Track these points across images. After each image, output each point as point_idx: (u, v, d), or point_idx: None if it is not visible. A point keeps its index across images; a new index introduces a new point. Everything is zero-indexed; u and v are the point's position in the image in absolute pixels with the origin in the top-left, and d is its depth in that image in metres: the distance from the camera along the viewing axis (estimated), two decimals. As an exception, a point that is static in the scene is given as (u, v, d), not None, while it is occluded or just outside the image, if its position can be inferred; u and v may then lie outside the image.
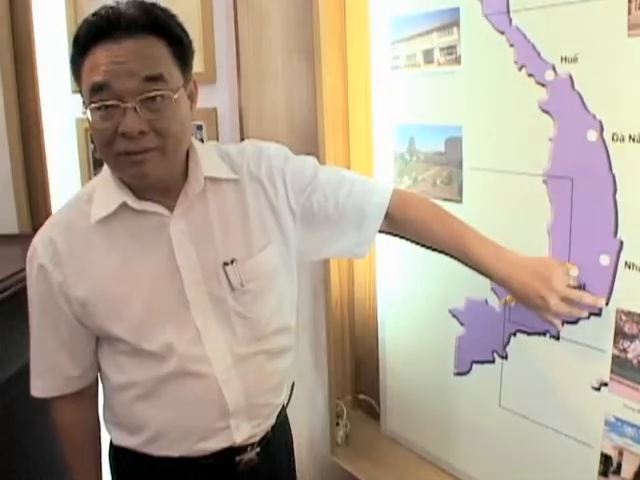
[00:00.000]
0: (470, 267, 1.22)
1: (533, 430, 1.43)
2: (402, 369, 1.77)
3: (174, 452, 1.16)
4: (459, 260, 1.23)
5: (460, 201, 1.48)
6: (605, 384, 1.27)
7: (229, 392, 1.14)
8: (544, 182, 1.29)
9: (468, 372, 1.56)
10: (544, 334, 1.36)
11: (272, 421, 1.25)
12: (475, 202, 1.45)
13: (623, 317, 1.21)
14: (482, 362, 1.52)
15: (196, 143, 1.13)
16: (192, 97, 1.08)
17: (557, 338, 1.34)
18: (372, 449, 1.85)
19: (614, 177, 1.17)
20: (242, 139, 1.69)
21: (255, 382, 1.16)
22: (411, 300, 1.68)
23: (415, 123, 1.58)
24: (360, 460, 1.82)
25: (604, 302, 1.21)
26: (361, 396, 2.02)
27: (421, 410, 1.74)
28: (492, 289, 1.45)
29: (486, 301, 1.46)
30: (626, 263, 1.18)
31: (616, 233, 1.18)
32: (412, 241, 1.29)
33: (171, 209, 1.10)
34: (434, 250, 1.27)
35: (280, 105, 1.73)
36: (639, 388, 1.22)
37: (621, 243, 1.18)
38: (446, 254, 1.25)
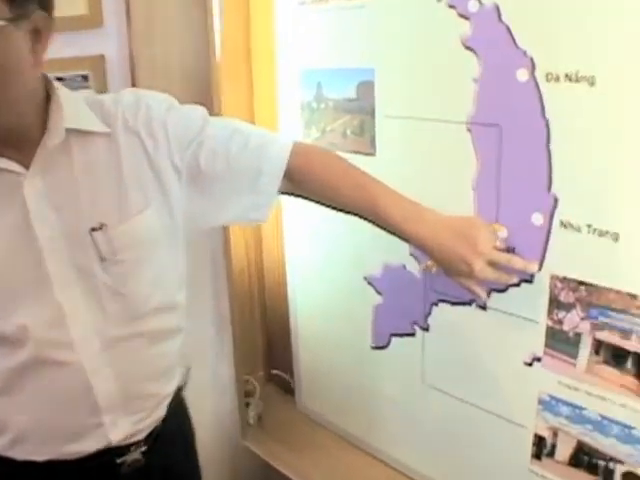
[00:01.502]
0: (384, 229, 1.05)
1: (460, 409, 1.28)
2: (316, 342, 1.59)
3: (41, 456, 0.98)
4: (371, 221, 1.06)
5: (373, 154, 1.29)
6: (538, 359, 1.12)
7: (99, 383, 0.96)
8: (468, 130, 1.10)
9: (387, 346, 1.39)
10: (469, 304, 1.19)
11: (161, 413, 1.07)
12: (390, 154, 1.26)
13: (558, 284, 1.04)
14: (402, 335, 1.35)
15: (62, 90, 0.93)
16: (38, 37, 0.83)
17: (484, 308, 1.17)
18: (287, 430, 1.69)
19: (547, 123, 1.00)
20: (134, 90, 1.44)
21: (132, 370, 1.00)
22: (322, 266, 1.49)
23: (323, 67, 1.38)
24: (274, 443, 1.66)
25: (536, 267, 1.06)
26: (274, 371, 1.83)
27: (338, 387, 1.56)
28: (411, 254, 1.27)
29: (404, 267, 1.28)
30: (561, 222, 1.01)
31: (550, 188, 1.01)
32: (318, 202, 1.10)
33: (27, 166, 0.90)
34: (343, 211, 1.09)
35: (174, 51, 1.49)
36: (575, 363, 1.07)
37: (555, 200, 1.01)
38: (356, 215, 1.07)
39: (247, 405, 1.72)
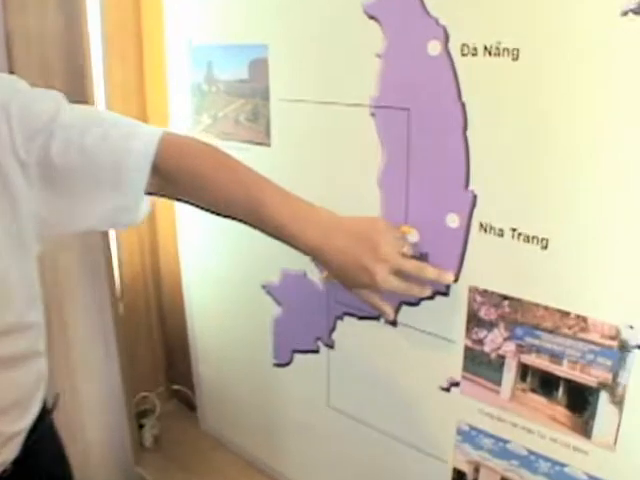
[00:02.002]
0: (271, 235, 0.85)
1: (370, 437, 1.11)
2: (216, 357, 1.40)
3: None
4: (257, 227, 0.86)
5: (268, 143, 1.09)
6: (456, 384, 0.94)
7: None
8: (372, 115, 0.93)
9: (289, 363, 1.20)
10: (377, 318, 1.00)
11: (10, 454, 0.87)
12: (286, 144, 1.08)
13: (477, 298, 0.87)
14: (304, 351, 1.15)
15: None
16: None
17: (394, 324, 0.99)
18: (187, 452, 1.49)
19: (464, 106, 0.83)
20: (11, 72, 1.20)
21: None
22: (218, 272, 1.29)
23: (213, 43, 1.17)
24: (172, 468, 1.47)
25: (451, 277, 0.90)
26: (175, 386, 1.61)
27: (241, 406, 1.37)
28: (311, 259, 1.06)
29: (304, 274, 1.09)
30: (481, 225, 0.84)
31: (467, 184, 0.84)
32: (195, 204, 0.90)
33: None
34: (224, 215, 0.88)
35: (49, 23, 1.24)
36: (498, 390, 0.90)
37: (474, 198, 0.84)
38: (240, 220, 0.87)
39: (141, 426, 1.49)
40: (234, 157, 0.86)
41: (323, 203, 0.91)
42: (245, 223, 0.86)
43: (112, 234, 1.39)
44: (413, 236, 0.93)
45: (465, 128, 0.83)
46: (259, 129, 1.12)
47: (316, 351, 1.15)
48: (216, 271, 1.30)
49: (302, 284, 1.12)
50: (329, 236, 0.83)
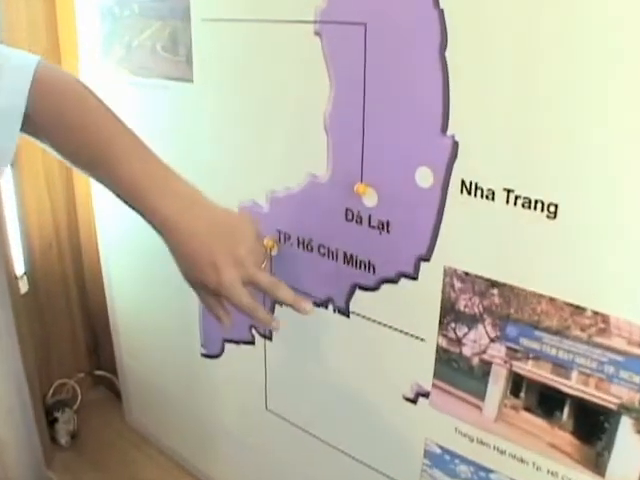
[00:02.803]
0: (124, 199, 0.66)
1: (317, 450, 0.89)
2: (141, 342, 1.15)
3: None
4: (109, 187, 0.66)
5: (190, 79, 0.83)
6: (425, 394, 0.71)
7: None
8: (316, 34, 0.67)
9: (220, 355, 0.96)
10: (325, 304, 0.76)
11: None
12: (211, 80, 0.83)
13: (456, 283, 0.63)
14: (237, 342, 0.91)
15: None
16: None
17: (346, 313, 0.74)
18: (109, 451, 1.27)
19: (442, 15, 0.58)
20: None
21: None
22: (137, 240, 1.03)
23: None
24: (89, 470, 1.23)
25: (309, 308, 0.71)
26: (99, 372, 1.36)
27: (169, 401, 1.13)
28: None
29: (236, 246, 0.82)
30: (463, 184, 0.60)
31: (445, 127, 0.59)
32: (55, 149, 0.67)
33: None
34: (80, 168, 0.67)
35: None
36: (481, 406, 0.67)
37: (454, 145, 0.59)
38: (93, 176, 0.67)
39: (54, 422, 1.25)
40: (102, 101, 0.66)
41: (257, 153, 0.67)
42: (98, 180, 0.66)
43: (10, 202, 1.13)
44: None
45: (443, 47, 0.58)
46: (179, 60, 0.86)
47: (251, 342, 0.90)
48: (135, 239, 1.04)
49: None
50: (189, 213, 0.65)
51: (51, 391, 1.32)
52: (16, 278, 1.09)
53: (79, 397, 1.36)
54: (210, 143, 0.84)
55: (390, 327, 0.73)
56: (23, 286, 1.17)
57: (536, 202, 0.58)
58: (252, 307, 0.68)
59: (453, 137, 0.60)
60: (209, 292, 0.67)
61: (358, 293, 0.74)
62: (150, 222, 0.65)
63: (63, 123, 0.63)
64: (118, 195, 0.65)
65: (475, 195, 0.61)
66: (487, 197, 0.60)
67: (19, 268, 1.18)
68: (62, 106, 0.63)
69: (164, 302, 1.05)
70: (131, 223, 1.03)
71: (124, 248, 1.08)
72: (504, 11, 0.53)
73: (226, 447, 1.06)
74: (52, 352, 1.32)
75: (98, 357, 1.40)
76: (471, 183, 0.61)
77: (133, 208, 0.64)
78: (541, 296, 0.60)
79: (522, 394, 0.65)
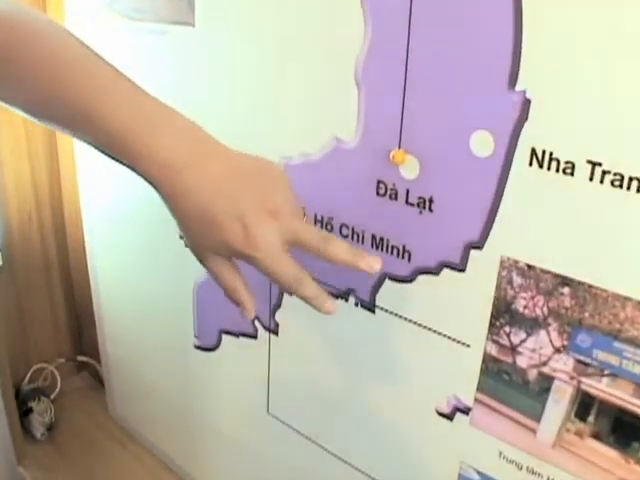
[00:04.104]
0: (106, 149, 0.49)
1: (327, 465, 0.74)
2: (125, 329, 1.03)
3: None
4: (86, 138, 0.49)
5: (191, 22, 0.71)
6: (465, 410, 0.57)
7: None
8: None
9: (216, 347, 0.83)
10: (345, 296, 0.62)
11: None
12: (216, 24, 0.69)
13: (516, 278, 0.50)
14: (237, 334, 0.77)
15: None
16: None
17: (371, 308, 0.61)
18: (88, 447, 1.15)
19: None
20: None
21: None
22: (125, 217, 0.89)
23: None
24: (64, 468, 1.11)
25: (379, 265, 0.50)
26: (81, 357, 1.24)
27: (157, 395, 1.00)
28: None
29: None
30: (534, 153, 0.46)
31: (514, 80, 0.46)
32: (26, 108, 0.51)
33: None
34: (45, 119, 0.50)
35: None
36: (536, 428, 0.54)
37: (525, 102, 0.44)
38: (64, 128, 0.50)
39: (28, 412, 1.12)
40: (91, 49, 0.49)
41: (270, 111, 0.55)
42: (71, 132, 0.50)
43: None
44: (408, 168, 0.54)
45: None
46: (179, 1, 0.72)
47: (253, 336, 0.77)
48: (121, 211, 0.91)
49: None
50: (199, 154, 0.47)
51: (27, 377, 1.19)
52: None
53: (58, 385, 1.24)
54: (213, 98, 0.70)
55: (425, 327, 0.59)
56: (-6, 261, 1.04)
57: (630, 180, 0.44)
58: (299, 278, 0.49)
59: (524, 93, 0.47)
60: (228, 266, 0.50)
61: (387, 284, 0.61)
62: (146, 174, 0.47)
63: (37, 66, 0.47)
64: (103, 150, 0.49)
65: (548, 168, 0.48)
66: (564, 171, 0.47)
67: (-10, 240, 1.05)
68: (37, 45, 0.48)
69: (154, 283, 0.92)
70: (120, 195, 0.89)
71: (110, 222, 0.95)
72: None
73: (220, 451, 0.93)
74: (29, 334, 1.19)
75: (81, 341, 1.28)
76: (544, 152, 0.48)
77: (122, 162, 0.48)
78: (627, 299, 0.47)
79: (591, 418, 0.52)
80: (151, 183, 0.47)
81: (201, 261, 0.50)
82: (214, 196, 0.46)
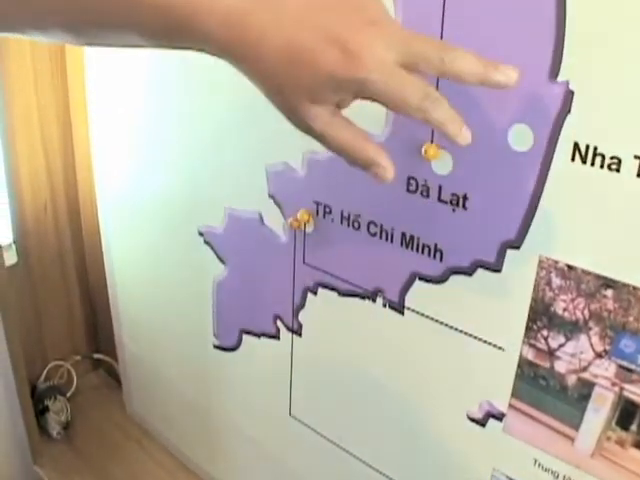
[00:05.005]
0: (153, 42, 0.39)
1: (352, 472, 0.70)
2: (144, 325, 1.01)
3: None
4: (135, 31, 0.38)
5: None
6: (498, 416, 0.54)
7: None
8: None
9: (236, 347, 0.81)
10: (373, 297, 0.60)
11: None
12: None
13: (555, 279, 0.48)
14: (258, 334, 0.75)
15: None
16: None
17: (400, 309, 0.58)
18: (106, 446, 1.13)
19: None
20: None
21: None
22: (141, 213, 0.87)
23: None
24: (82, 467, 1.10)
25: (516, 74, 0.38)
26: (98, 355, 1.22)
27: (175, 394, 0.99)
28: (271, 195, 0.65)
29: (260, 218, 0.68)
30: (577, 148, 0.43)
31: (557, 69, 0.45)
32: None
33: None
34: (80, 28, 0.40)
35: None
36: (573, 436, 0.51)
37: (568, 94, 0.43)
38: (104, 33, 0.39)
39: (44, 411, 1.10)
40: None
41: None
42: (113, 26, 0.39)
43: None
44: (441, 163, 0.52)
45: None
46: None
47: (275, 336, 0.75)
48: (138, 204, 0.89)
49: (256, 233, 0.71)
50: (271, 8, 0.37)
51: (43, 375, 1.18)
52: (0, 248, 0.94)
53: (74, 382, 1.22)
54: (229, 90, 0.68)
55: (458, 330, 0.57)
56: (10, 257, 1.02)
57: (683, 176, 0.41)
58: (430, 94, 0.37)
59: (567, 84, 0.44)
60: (338, 119, 0.39)
61: (418, 285, 0.58)
62: (209, 37, 0.37)
63: None
64: (152, 34, 0.38)
65: (592, 164, 0.45)
66: (610, 167, 0.44)
67: (5, 236, 1.03)
68: None
69: (171, 280, 0.90)
70: (136, 185, 0.87)
71: (127, 216, 0.93)
72: None
73: (239, 452, 0.91)
74: (45, 331, 1.18)
75: (97, 338, 1.26)
76: (587, 147, 0.45)
77: (174, 38, 0.38)
78: (676, 302, 0.44)
79: (633, 426, 0.50)
80: (218, 50, 0.38)
81: (302, 124, 0.39)
82: (298, 27, 0.36)
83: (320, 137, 0.39)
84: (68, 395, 1.18)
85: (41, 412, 1.12)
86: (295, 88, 0.37)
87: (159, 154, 0.81)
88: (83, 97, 0.92)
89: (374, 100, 0.38)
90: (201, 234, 0.80)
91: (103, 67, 0.84)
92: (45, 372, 1.19)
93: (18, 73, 0.97)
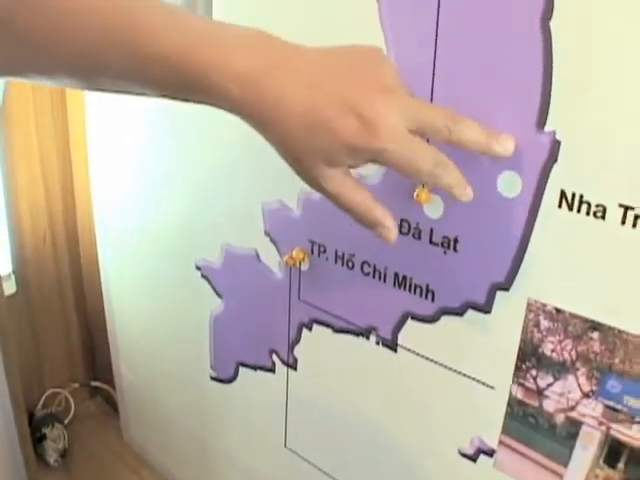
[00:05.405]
0: (167, 94, 0.40)
1: None
2: (141, 354, 1.02)
3: None
4: (139, 86, 0.40)
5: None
6: (489, 452, 0.56)
7: None
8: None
9: (233, 379, 0.82)
10: (366, 334, 0.61)
11: None
12: None
13: (543, 321, 0.49)
14: (254, 367, 0.76)
15: None
16: None
17: (393, 347, 0.60)
18: (104, 475, 1.12)
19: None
20: None
21: None
22: (140, 244, 0.89)
23: None
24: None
25: (512, 146, 0.45)
26: (95, 383, 1.23)
27: (172, 423, 0.99)
28: (267, 232, 0.67)
29: (257, 255, 0.69)
30: (563, 196, 0.45)
31: (544, 120, 0.46)
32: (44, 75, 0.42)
33: None
34: (88, 76, 0.41)
35: None
36: (562, 473, 0.52)
37: (555, 144, 0.45)
38: (111, 82, 0.41)
39: (41, 439, 1.11)
40: None
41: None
42: (130, 79, 0.40)
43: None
44: (433, 207, 0.53)
45: (548, 13, 0.44)
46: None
47: (271, 370, 0.76)
48: (136, 235, 0.90)
49: (252, 270, 0.72)
50: (280, 55, 0.39)
51: (41, 402, 1.18)
52: (-1, 279, 0.95)
53: (72, 410, 1.23)
54: (228, 128, 0.69)
55: (449, 368, 0.58)
56: (9, 287, 1.03)
57: (665, 224, 0.43)
58: (441, 162, 0.40)
59: (553, 134, 0.46)
60: (349, 181, 0.41)
61: (410, 324, 0.60)
62: (225, 96, 0.38)
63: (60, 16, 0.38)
64: (169, 90, 0.39)
65: (578, 211, 0.46)
66: (595, 214, 0.46)
67: (5, 266, 1.04)
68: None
69: (169, 311, 0.91)
70: (135, 217, 0.89)
71: (125, 244, 0.94)
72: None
73: (235, 483, 0.92)
74: (43, 359, 1.19)
75: (95, 366, 1.27)
76: (574, 195, 0.46)
77: (187, 94, 0.39)
78: (660, 345, 0.46)
79: (621, 464, 0.51)
80: (234, 109, 0.39)
81: (315, 184, 0.41)
82: (314, 92, 0.37)
83: (332, 196, 0.41)
84: (65, 422, 1.19)
85: (39, 440, 1.12)
86: (311, 152, 0.39)
87: (157, 188, 0.82)
88: (83, 130, 0.93)
89: (385, 165, 0.40)
90: (198, 268, 0.81)
91: (103, 101, 0.86)
92: (43, 399, 1.19)
93: (19, 105, 0.99)
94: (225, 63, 0.37)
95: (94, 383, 1.26)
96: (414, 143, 0.39)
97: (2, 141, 1.00)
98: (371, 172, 0.57)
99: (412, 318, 0.59)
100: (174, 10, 0.39)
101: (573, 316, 0.49)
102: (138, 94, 0.41)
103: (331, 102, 0.37)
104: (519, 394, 0.55)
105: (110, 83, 0.41)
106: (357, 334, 0.65)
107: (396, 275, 0.59)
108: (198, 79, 0.37)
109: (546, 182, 0.48)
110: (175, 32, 0.37)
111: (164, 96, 0.40)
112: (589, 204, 0.46)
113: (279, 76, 0.37)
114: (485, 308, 0.54)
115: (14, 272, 1.06)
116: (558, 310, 0.50)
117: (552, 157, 0.47)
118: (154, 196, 0.84)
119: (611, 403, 0.50)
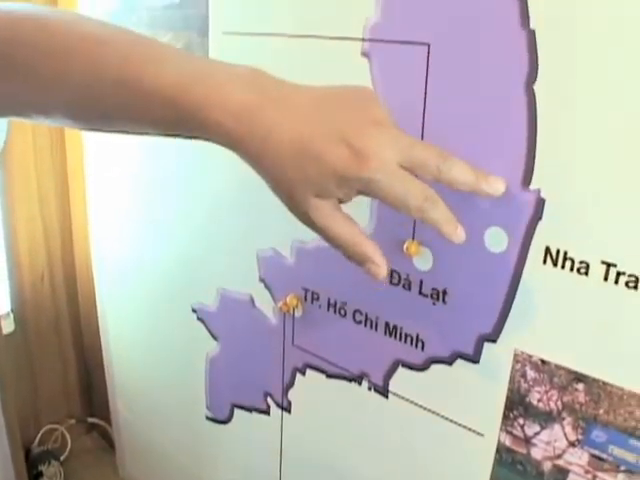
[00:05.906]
0: (166, 131, 0.41)
1: None
2: (137, 392, 1.02)
3: None
4: (137, 124, 0.41)
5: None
6: None
7: None
8: (364, 55, 0.56)
9: (228, 420, 0.83)
10: (358, 380, 0.62)
11: None
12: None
13: (529, 372, 0.51)
14: (249, 409, 0.77)
15: None
16: None
17: (384, 393, 0.61)
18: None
19: (532, 37, 0.46)
20: None
21: None
22: (137, 281, 0.90)
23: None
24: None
25: (502, 186, 0.46)
26: (92, 419, 1.23)
27: (169, 462, 1.00)
28: (262, 279, 0.68)
29: (252, 300, 0.71)
30: (548, 252, 0.47)
31: (528, 179, 0.49)
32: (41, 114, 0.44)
33: None
34: (88, 117, 0.43)
35: None
36: (553, 522, 0.53)
37: (539, 202, 0.47)
38: (111, 120, 0.42)
39: (37, 476, 1.11)
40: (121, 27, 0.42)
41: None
42: (125, 118, 0.41)
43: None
44: (422, 259, 0.55)
45: (532, 78, 0.46)
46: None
47: (266, 412, 0.77)
48: (134, 275, 0.92)
49: (248, 314, 0.74)
50: (274, 91, 0.40)
51: (38, 438, 1.19)
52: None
53: (68, 445, 1.23)
54: (225, 175, 0.71)
55: (439, 415, 0.60)
56: (8, 325, 1.05)
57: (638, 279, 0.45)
58: (430, 197, 0.40)
59: (538, 192, 0.48)
60: (339, 215, 0.41)
61: (401, 371, 0.61)
62: (219, 130, 0.38)
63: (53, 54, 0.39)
64: (163, 125, 0.40)
65: (563, 267, 0.48)
66: (579, 271, 0.47)
67: (3, 305, 1.05)
68: (52, 34, 0.40)
69: (165, 350, 0.92)
70: (132, 254, 0.90)
71: (122, 283, 0.96)
72: (615, 32, 0.41)
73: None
74: (40, 395, 1.19)
75: (92, 402, 1.27)
76: (558, 252, 0.48)
77: (183, 130, 0.40)
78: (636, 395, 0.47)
79: (608, 513, 0.52)
80: (228, 143, 0.39)
81: (305, 217, 0.41)
82: (306, 125, 0.38)
83: (320, 230, 0.41)
84: (62, 459, 1.19)
85: (35, 477, 1.13)
86: (300, 182, 0.39)
87: (155, 229, 0.84)
88: (81, 169, 0.95)
89: (375, 197, 0.40)
90: (194, 311, 0.82)
91: (101, 139, 0.88)
92: (39, 435, 1.19)
93: (19, 145, 1.01)
94: (221, 99, 0.38)
95: (91, 419, 1.26)
96: (404, 176, 0.39)
97: (2, 181, 1.02)
98: (363, 223, 0.59)
99: (403, 366, 0.61)
100: (171, 49, 0.41)
101: (558, 367, 0.51)
102: (134, 133, 0.43)
103: (322, 133, 0.38)
104: (507, 441, 0.56)
105: (111, 124, 0.42)
106: (349, 380, 0.66)
107: (387, 324, 0.61)
108: (196, 114, 0.38)
109: (531, 238, 0.49)
110: (171, 68, 0.38)
111: (160, 134, 0.42)
112: (573, 260, 0.48)
113: (272, 111, 0.38)
114: (473, 358, 0.55)
115: (12, 311, 1.07)
116: (544, 361, 0.51)
117: (537, 214, 0.49)
118: (151, 237, 0.85)
119: (596, 452, 0.51)
